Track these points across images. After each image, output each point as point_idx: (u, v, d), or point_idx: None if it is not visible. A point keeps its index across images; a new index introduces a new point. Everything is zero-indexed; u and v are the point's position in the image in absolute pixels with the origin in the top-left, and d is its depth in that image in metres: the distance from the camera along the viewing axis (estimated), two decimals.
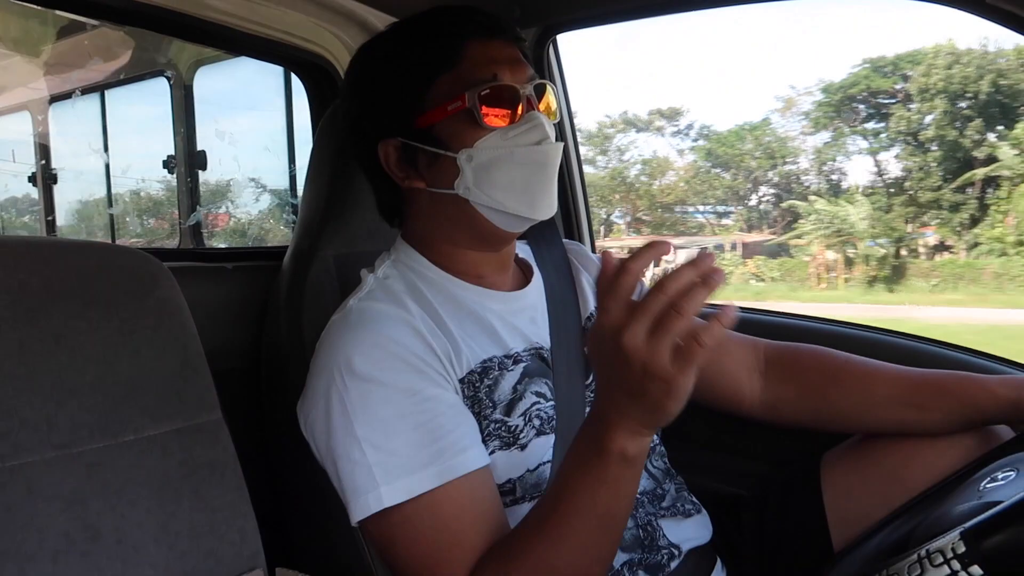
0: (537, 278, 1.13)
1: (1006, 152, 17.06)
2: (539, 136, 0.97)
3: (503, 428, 0.96)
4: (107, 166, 4.22)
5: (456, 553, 0.85)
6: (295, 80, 1.87)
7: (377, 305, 0.95)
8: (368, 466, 0.86)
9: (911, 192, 18.97)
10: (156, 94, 3.23)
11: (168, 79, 3.10)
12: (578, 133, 1.80)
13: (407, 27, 1.04)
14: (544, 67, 1.69)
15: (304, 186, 1.30)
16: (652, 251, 0.69)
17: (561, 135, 1.73)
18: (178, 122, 3.11)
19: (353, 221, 1.25)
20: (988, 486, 0.78)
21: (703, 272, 0.65)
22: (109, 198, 4.39)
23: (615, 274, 0.68)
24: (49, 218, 4.08)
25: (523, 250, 1.18)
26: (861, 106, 20.39)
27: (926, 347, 1.36)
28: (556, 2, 1.58)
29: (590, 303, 1.15)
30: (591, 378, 1.07)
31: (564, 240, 1.24)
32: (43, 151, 3.96)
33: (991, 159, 17.49)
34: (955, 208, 18.06)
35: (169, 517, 0.93)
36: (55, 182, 4.19)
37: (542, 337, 1.06)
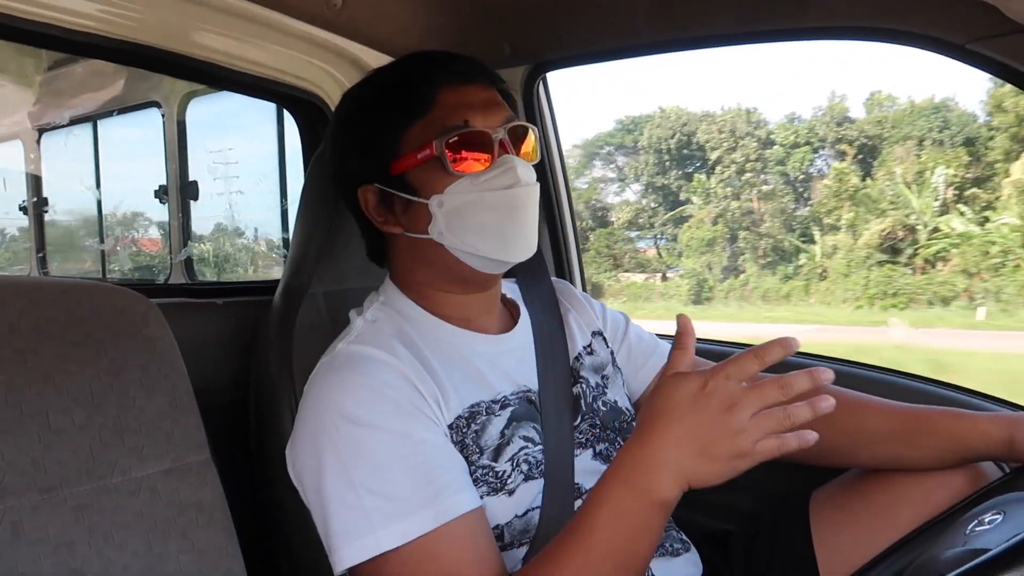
0: (524, 318, 1.13)
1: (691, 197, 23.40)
2: (511, 180, 0.97)
3: (490, 473, 0.95)
4: (99, 202, 4.18)
5: None
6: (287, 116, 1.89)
7: (366, 349, 0.95)
8: (364, 510, 0.85)
9: (646, 227, 24.70)
10: (148, 125, 3.24)
11: (161, 111, 3.11)
12: None
13: (384, 74, 1.06)
14: (534, 105, 1.71)
15: (295, 222, 1.31)
16: (782, 349, 0.75)
17: (549, 173, 1.74)
18: (170, 153, 3.10)
19: (343, 258, 1.26)
20: (976, 530, 0.78)
21: (817, 386, 0.74)
22: (100, 233, 4.32)
23: (749, 357, 0.75)
24: (40, 255, 3.96)
25: (511, 289, 1.18)
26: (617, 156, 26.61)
27: (914, 384, 1.37)
28: (546, 41, 1.61)
29: (578, 343, 1.16)
30: (579, 419, 1.07)
31: (552, 279, 1.25)
32: (35, 182, 3.94)
33: (688, 201, 23.59)
34: (673, 239, 23.88)
35: (156, 560, 0.92)
36: (46, 212, 4.16)
37: (530, 379, 1.06)
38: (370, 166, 1.01)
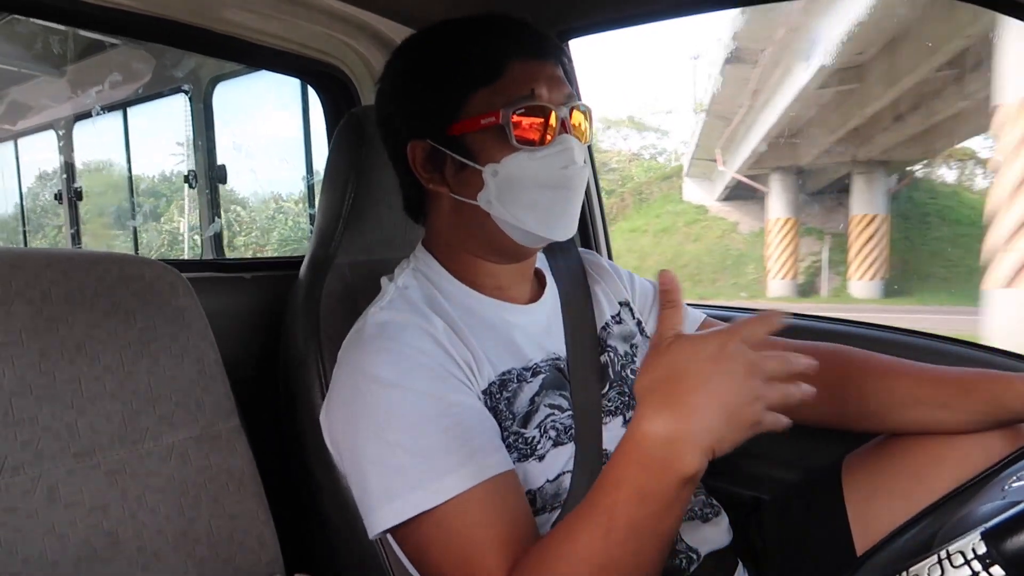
0: (551, 288, 1.12)
1: None
2: (566, 161, 0.96)
3: (520, 440, 0.95)
4: (130, 179, 4.29)
5: (492, 554, 0.83)
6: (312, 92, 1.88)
7: (397, 315, 0.95)
8: (401, 470, 0.85)
9: None
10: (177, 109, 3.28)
11: (187, 95, 3.14)
12: None
13: (453, 34, 1.02)
14: None
15: (320, 195, 1.31)
16: (776, 319, 0.73)
17: None
18: (198, 137, 3.13)
19: (368, 230, 1.26)
20: (1014, 485, 0.76)
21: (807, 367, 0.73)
22: (132, 209, 4.44)
23: (757, 323, 0.72)
24: (73, 230, 4.18)
25: (538, 259, 1.17)
26: None
27: (950, 347, 1.34)
28: (569, 7, 1.58)
29: (606, 313, 1.15)
30: (607, 387, 1.06)
31: (580, 249, 1.24)
32: (67, 168, 4.02)
33: None
34: None
35: (188, 524, 0.93)
36: (80, 199, 4.27)
37: (558, 347, 1.05)
38: (426, 122, 1.00)
